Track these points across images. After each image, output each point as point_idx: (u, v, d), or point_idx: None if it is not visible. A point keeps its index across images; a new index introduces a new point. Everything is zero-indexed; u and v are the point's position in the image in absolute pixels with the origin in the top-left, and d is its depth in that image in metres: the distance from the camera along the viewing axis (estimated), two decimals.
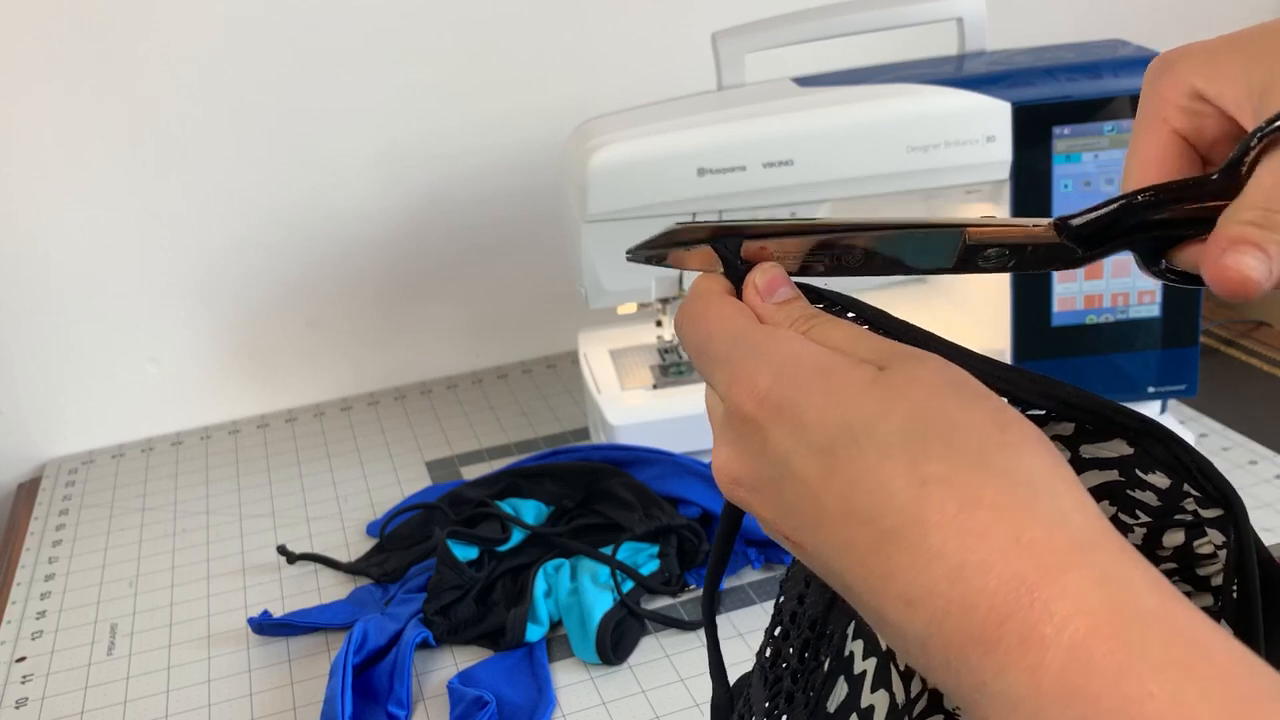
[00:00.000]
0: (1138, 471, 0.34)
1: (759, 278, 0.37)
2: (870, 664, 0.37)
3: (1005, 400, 0.31)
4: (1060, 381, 0.33)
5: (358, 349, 1.20)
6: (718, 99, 0.91)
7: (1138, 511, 0.35)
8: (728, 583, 0.83)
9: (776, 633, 0.41)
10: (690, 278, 0.38)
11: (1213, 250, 0.33)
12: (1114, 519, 0.35)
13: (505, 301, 1.23)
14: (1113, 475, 0.35)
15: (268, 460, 1.09)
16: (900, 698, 0.37)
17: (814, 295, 0.37)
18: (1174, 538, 0.35)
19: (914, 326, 0.35)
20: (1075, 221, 0.36)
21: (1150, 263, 0.36)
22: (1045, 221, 0.36)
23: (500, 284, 1.22)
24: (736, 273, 0.37)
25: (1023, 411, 0.31)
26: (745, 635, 0.78)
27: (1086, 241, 0.36)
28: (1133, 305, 0.90)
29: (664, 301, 0.96)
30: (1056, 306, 0.90)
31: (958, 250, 0.37)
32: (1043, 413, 0.34)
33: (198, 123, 1.07)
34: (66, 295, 1.09)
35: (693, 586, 0.83)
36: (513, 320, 1.24)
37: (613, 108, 0.93)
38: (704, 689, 0.74)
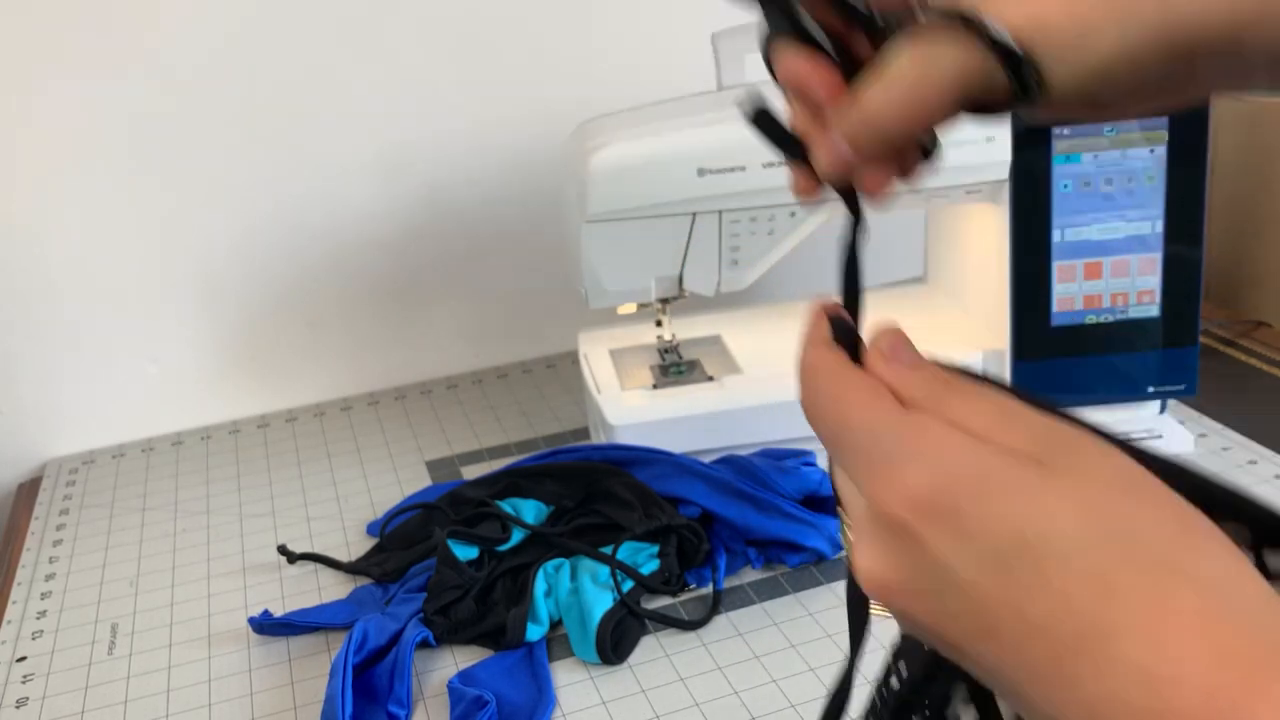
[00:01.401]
0: None
1: (884, 343, 0.34)
2: None
3: (1176, 493, 0.29)
4: (1221, 483, 0.30)
5: (358, 349, 1.20)
6: (718, 99, 0.91)
7: None
8: (728, 582, 0.83)
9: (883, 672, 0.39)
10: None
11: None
12: None
13: (505, 301, 1.23)
14: None
15: (268, 460, 1.09)
16: None
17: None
18: None
19: (1047, 399, 0.32)
20: None
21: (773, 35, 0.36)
22: None
23: (500, 284, 1.22)
24: (843, 331, 0.35)
25: None
26: (745, 635, 0.78)
27: None
28: (1132, 305, 0.90)
29: (664, 301, 0.96)
30: (1056, 307, 0.90)
31: None
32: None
33: (198, 123, 1.07)
34: (66, 296, 1.09)
35: (692, 586, 0.83)
36: (513, 320, 1.24)
37: (613, 108, 0.93)
38: (704, 689, 0.74)
